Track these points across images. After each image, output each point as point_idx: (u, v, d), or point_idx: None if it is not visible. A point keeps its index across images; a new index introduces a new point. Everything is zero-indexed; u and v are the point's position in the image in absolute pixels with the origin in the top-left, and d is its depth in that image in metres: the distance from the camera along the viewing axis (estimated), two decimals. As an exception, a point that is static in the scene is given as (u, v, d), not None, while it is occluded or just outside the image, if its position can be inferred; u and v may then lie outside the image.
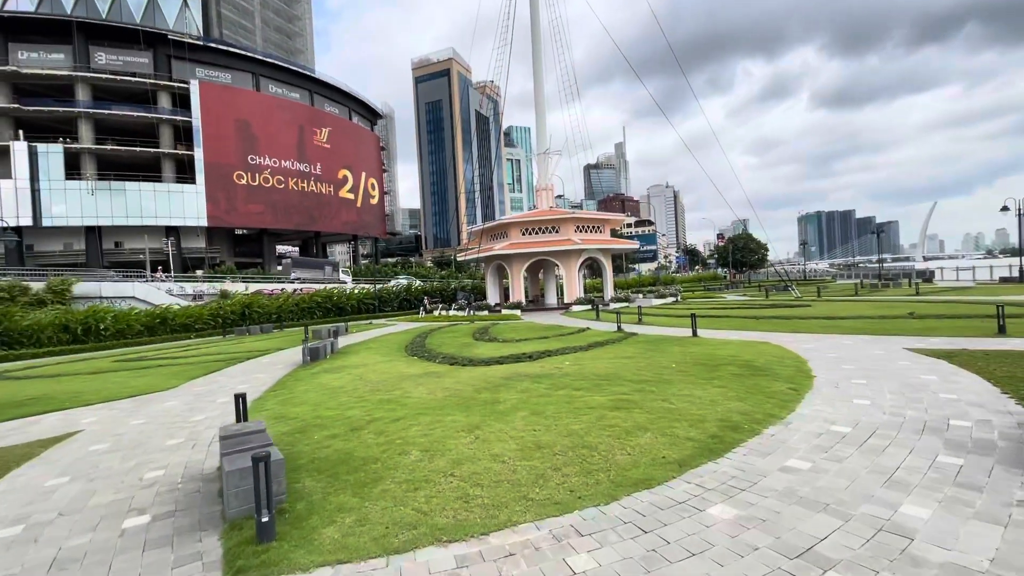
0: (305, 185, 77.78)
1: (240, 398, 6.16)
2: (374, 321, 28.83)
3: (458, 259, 38.41)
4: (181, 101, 64.42)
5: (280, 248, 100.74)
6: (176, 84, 63.96)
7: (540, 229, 32.00)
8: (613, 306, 27.91)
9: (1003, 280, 35.67)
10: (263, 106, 72.95)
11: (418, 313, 30.41)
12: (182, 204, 64.07)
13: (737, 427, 5.75)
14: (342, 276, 62.63)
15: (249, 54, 77.86)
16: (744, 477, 4.49)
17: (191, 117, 63.62)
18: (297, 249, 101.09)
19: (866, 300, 23.45)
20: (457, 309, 29.02)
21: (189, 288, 42.83)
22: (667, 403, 6.84)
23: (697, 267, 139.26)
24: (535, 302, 36.62)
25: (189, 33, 78.22)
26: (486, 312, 28.18)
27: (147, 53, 64.82)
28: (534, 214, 33.07)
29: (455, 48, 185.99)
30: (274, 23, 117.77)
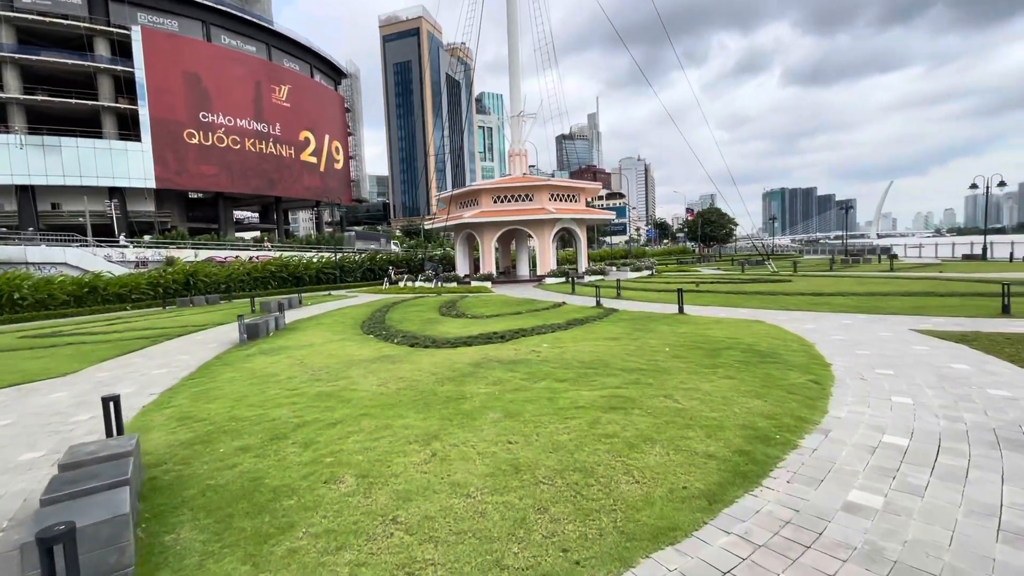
0: (263, 147, 72.91)
1: (111, 402, 4.51)
2: (334, 292, 26.86)
3: (426, 227, 36.31)
4: (121, 49, 58.39)
5: (238, 214, 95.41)
6: (115, 30, 57.73)
7: (513, 197, 30.28)
8: (588, 279, 26.76)
9: (966, 257, 36.31)
10: (215, 58, 67.06)
11: (382, 284, 28.55)
12: (126, 163, 58.88)
13: (766, 437, 4.52)
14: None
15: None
16: (800, 522, 3.24)
17: (133, 67, 57.84)
18: (257, 215, 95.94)
19: (845, 276, 23.01)
20: (424, 280, 27.30)
21: (132, 254, 39.36)
22: (671, 401, 5.57)
23: (666, 240, 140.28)
24: (507, 274, 35.18)
25: (126, -28, 70.85)
26: (455, 284, 26.58)
27: (80, -8, 58.16)
28: (507, 181, 31.24)
29: (424, 6, 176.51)
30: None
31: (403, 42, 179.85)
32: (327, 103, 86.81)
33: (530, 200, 30.00)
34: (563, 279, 26.47)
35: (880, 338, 8.81)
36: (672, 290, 18.71)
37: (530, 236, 30.45)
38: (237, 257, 43.72)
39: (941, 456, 4.08)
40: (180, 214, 71.01)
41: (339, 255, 34.08)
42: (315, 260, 32.16)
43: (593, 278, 26.85)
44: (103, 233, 56.31)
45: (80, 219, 56.88)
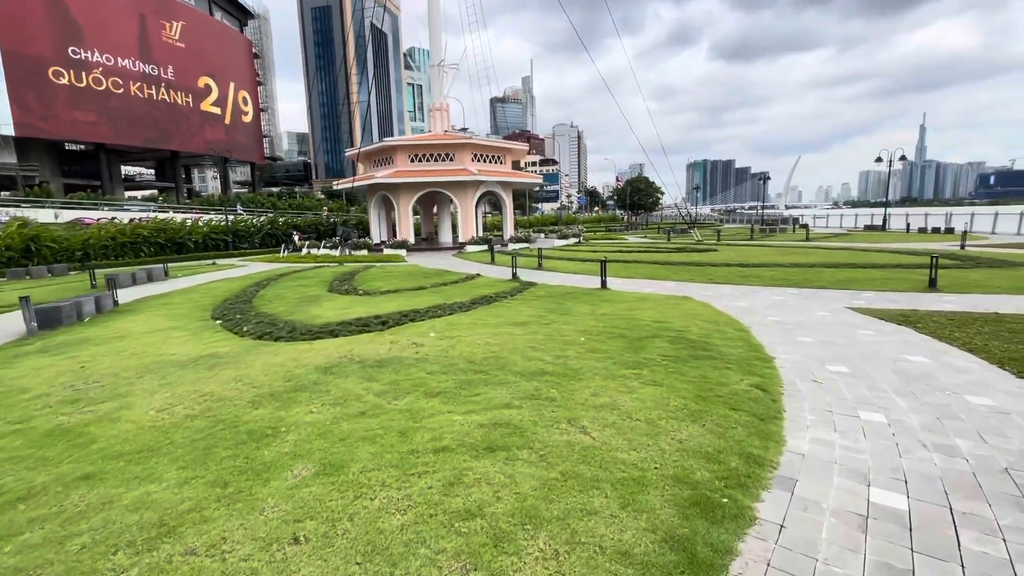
0: (153, 92, 63.34)
1: None
2: (221, 261, 23.18)
3: (335, 188, 32.65)
4: None
5: (127, 169, 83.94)
6: None
7: (432, 156, 27.54)
8: (512, 247, 25.00)
9: (867, 228, 38.49)
10: None
11: (280, 252, 25.17)
12: None
13: (709, 503, 2.92)
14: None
15: (57, -94, 58.66)
16: None
17: None
18: (153, 172, 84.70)
19: (766, 245, 22.92)
20: (330, 248, 24.26)
21: (-35, 214, 32.27)
22: (577, 430, 3.87)
23: (597, 208, 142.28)
24: (429, 240, 32.70)
25: None
26: (365, 252, 23.83)
27: None
28: (425, 137, 28.39)
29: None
30: None
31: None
32: (231, 46, 76.94)
33: (451, 160, 27.45)
34: (485, 247, 24.54)
35: (819, 320, 7.72)
36: (597, 260, 17.40)
37: (452, 200, 28.03)
38: (114, 219, 37.55)
39: (962, 534, 2.65)
40: (52, 168, 60.67)
41: (233, 218, 29.81)
42: (202, 224, 27.79)
43: (517, 246, 25.13)
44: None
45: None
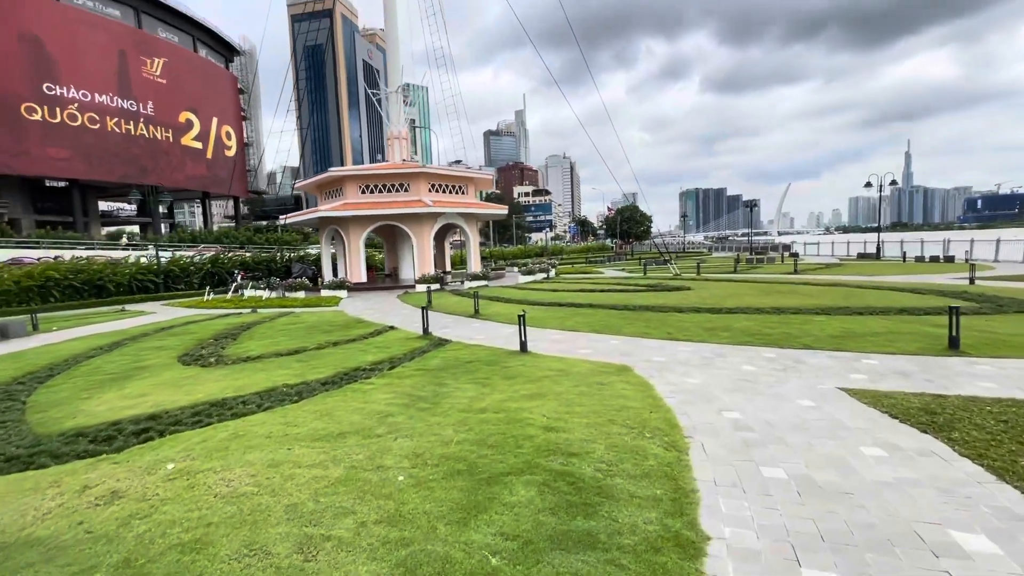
0: (131, 127, 61.73)
1: None
2: (135, 307, 20.48)
3: (283, 222, 30.28)
4: None
5: (108, 205, 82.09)
6: None
7: (385, 186, 25.27)
8: (468, 284, 22.43)
9: (861, 256, 36.26)
10: (62, 20, 55.11)
11: (224, 294, 22.50)
12: None
13: None
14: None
15: (35, -54, 58.37)
16: None
17: None
18: (135, 207, 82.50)
19: (748, 280, 20.43)
20: (263, 289, 21.62)
21: None
22: None
23: (590, 237, 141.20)
24: (393, 276, 30.20)
25: (-68, -97, 56.96)
26: (302, 294, 21.19)
27: None
28: (376, 167, 26.25)
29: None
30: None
31: (315, 23, 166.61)
32: (215, 82, 76.08)
33: (406, 191, 25.18)
34: (437, 285, 21.97)
35: (801, 418, 5.08)
36: (549, 304, 14.82)
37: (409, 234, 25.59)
38: (57, 258, 34.90)
39: None
40: (25, 204, 58.59)
41: (175, 255, 27.28)
42: (133, 263, 25.18)
43: (474, 284, 22.55)
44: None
45: None
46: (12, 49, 50.61)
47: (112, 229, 78.51)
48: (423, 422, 5.24)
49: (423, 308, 10.71)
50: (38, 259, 34.28)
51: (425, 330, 10.38)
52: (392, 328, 11.71)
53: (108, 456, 4.65)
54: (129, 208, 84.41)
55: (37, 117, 52.66)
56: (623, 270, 30.68)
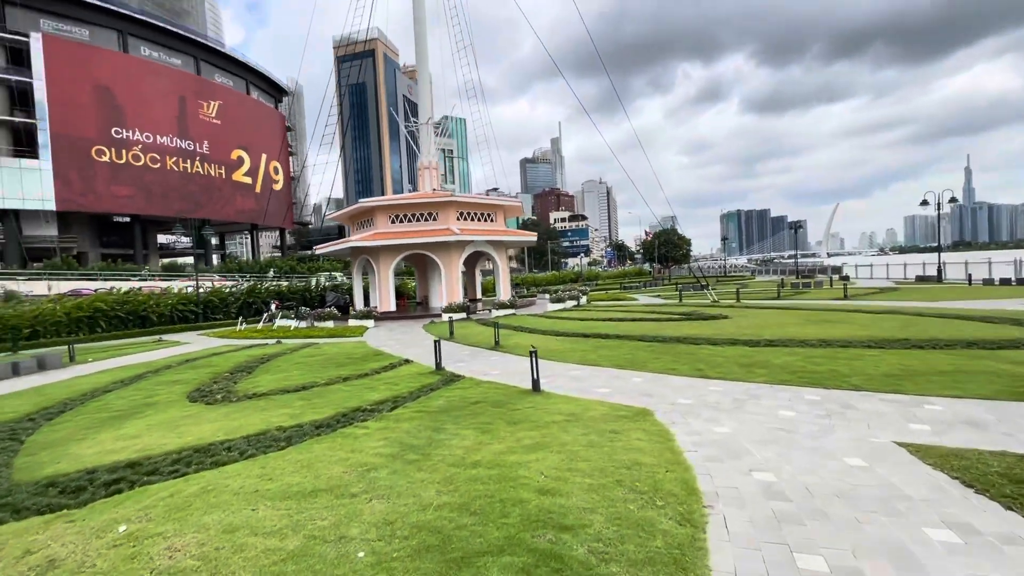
0: (188, 166, 66.22)
1: None
2: (172, 337, 21.11)
3: (316, 252, 30.99)
4: (20, 58, 51.45)
5: (166, 238, 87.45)
6: (10, 36, 50.78)
7: (414, 216, 25.49)
8: (495, 314, 21.99)
9: (919, 279, 33.65)
10: (131, 70, 60.41)
11: (258, 324, 23.01)
12: (20, 183, 51.43)
13: None
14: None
15: (111, 7, 64.42)
16: None
17: (32, 78, 50.80)
18: (188, 239, 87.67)
19: (792, 307, 19.05)
20: (293, 319, 21.91)
21: (-40, 289, 32.16)
22: None
23: (627, 261, 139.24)
24: (424, 304, 30.23)
25: (24, -27, 64.12)
26: (331, 323, 21.31)
27: (-32, -3, 51.32)
28: (405, 197, 26.59)
29: (380, 28, 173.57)
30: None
31: (358, 64, 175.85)
32: (264, 120, 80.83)
33: (434, 219, 25.30)
34: (464, 314, 21.64)
35: (847, 482, 4.25)
36: (573, 335, 14.15)
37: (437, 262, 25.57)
38: (112, 289, 36.96)
39: None
40: (92, 239, 63.33)
41: (212, 285, 28.31)
42: (174, 292, 26.26)
43: (500, 312, 22.10)
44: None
45: (-53, 246, 49.06)
46: (87, 99, 55.53)
47: (167, 261, 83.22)
48: (406, 478, 4.70)
49: (436, 341, 10.27)
50: (95, 290, 36.39)
51: (438, 365, 9.93)
52: (407, 362, 11.33)
53: (68, 512, 4.34)
54: (185, 240, 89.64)
55: (106, 159, 57.19)
56: (658, 296, 29.53)
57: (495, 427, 6.18)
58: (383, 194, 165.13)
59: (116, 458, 5.67)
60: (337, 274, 44.64)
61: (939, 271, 31.58)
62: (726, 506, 3.96)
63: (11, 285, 33.44)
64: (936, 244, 35.66)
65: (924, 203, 31.70)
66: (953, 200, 31.25)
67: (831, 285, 31.42)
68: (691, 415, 6.39)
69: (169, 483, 4.88)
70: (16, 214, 51.86)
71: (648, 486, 4.33)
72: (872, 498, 3.99)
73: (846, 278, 36.69)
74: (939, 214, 31.81)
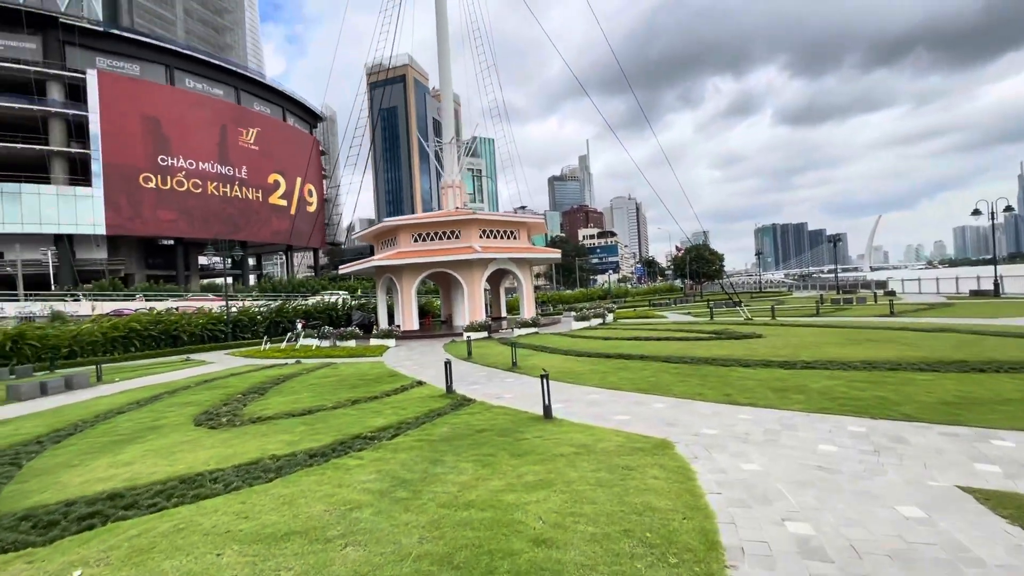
0: (228, 190, 69.28)
1: None
2: (200, 356, 21.48)
3: (340, 272, 31.32)
4: (77, 93, 55.43)
5: (203, 260, 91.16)
6: (69, 74, 54.86)
7: (437, 234, 25.47)
8: (517, 332, 21.49)
9: (973, 293, 31.39)
10: (177, 102, 64.15)
11: (281, 343, 23.28)
12: (74, 209, 54.88)
13: None
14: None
15: (160, 43, 68.81)
16: None
17: (87, 111, 54.60)
18: (230, 261, 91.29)
19: (832, 325, 17.86)
20: (316, 338, 22.00)
21: (13, 309, 34.01)
22: None
23: (658, 277, 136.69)
24: (448, 323, 30.06)
25: (85, 17, 69.09)
26: (353, 343, 21.27)
27: (35, 38, 55.70)
28: (428, 216, 26.64)
29: (410, 55, 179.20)
30: (198, 14, 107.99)
31: (389, 89, 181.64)
32: (299, 145, 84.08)
33: (457, 238, 25.19)
34: (485, 333, 21.24)
35: (901, 538, 3.55)
36: (596, 355, 13.52)
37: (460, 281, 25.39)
38: (152, 310, 38.34)
39: None
40: (139, 261, 66.66)
41: (243, 305, 28.91)
42: (211, 312, 26.90)
43: (522, 331, 21.58)
44: (40, 284, 51.52)
45: (8, 269, 52.25)
46: (136, 130, 58.96)
47: (206, 281, 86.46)
48: (390, 520, 4.25)
49: (446, 363, 9.86)
50: (135, 310, 37.78)
51: (448, 388, 9.50)
52: (420, 383, 10.96)
53: (31, 552, 4.07)
54: (219, 262, 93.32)
55: (152, 185, 60.32)
56: (688, 313, 28.44)
57: (497, 459, 5.68)
58: (414, 212, 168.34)
59: (101, 487, 5.44)
60: (341, 292, 45.11)
61: (996, 284, 29.38)
62: (752, 567, 3.34)
63: (59, 305, 35.06)
64: (991, 256, 33.32)
65: (976, 212, 29.73)
66: (1008, 209, 29.21)
67: (875, 301, 29.60)
68: (716, 448, 5.73)
69: (143, 519, 4.57)
70: (70, 238, 55.04)
71: (661, 537, 3.74)
72: (933, 561, 3.30)
73: (892, 293, 34.59)
74: (993, 224, 29.75)
